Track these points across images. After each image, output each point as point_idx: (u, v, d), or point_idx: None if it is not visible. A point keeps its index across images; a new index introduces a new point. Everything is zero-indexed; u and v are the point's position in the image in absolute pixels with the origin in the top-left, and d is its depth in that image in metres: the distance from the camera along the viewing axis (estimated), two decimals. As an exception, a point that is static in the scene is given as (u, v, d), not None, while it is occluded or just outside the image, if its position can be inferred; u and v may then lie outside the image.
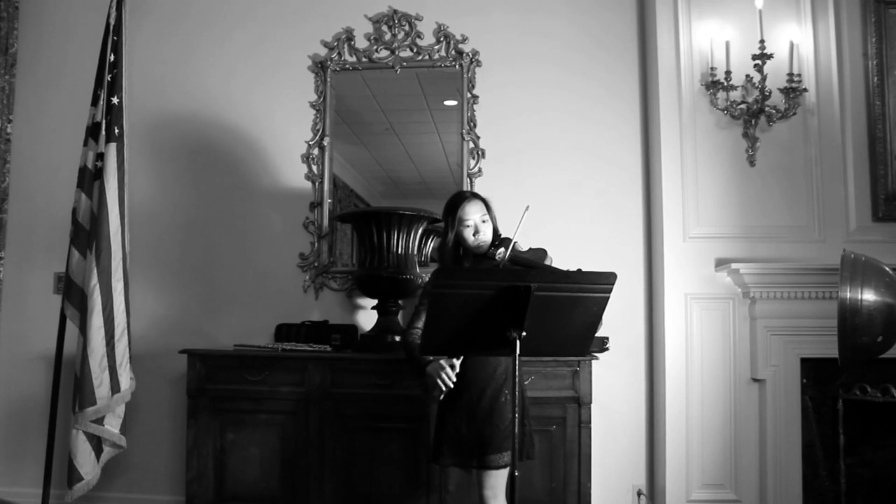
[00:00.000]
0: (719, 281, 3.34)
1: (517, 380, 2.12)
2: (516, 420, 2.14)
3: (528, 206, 2.37)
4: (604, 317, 2.20)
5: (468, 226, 2.54)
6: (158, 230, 3.74)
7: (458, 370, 2.40)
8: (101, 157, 3.27)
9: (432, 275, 2.46)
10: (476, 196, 2.61)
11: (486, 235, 2.55)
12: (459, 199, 2.60)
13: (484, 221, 2.55)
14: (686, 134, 3.42)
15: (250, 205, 3.74)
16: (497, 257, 2.45)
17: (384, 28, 3.75)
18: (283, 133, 3.74)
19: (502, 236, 2.57)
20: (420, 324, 2.50)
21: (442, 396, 2.43)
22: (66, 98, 3.81)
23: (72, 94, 3.75)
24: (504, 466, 2.42)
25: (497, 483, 2.44)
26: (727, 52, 3.32)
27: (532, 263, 2.45)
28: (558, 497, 3.05)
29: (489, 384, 2.49)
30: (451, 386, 2.38)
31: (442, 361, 2.39)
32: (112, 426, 3.21)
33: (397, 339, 3.24)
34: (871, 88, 3.37)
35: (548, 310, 2.09)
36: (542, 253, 2.53)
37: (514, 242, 2.47)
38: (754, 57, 3.31)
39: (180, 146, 3.81)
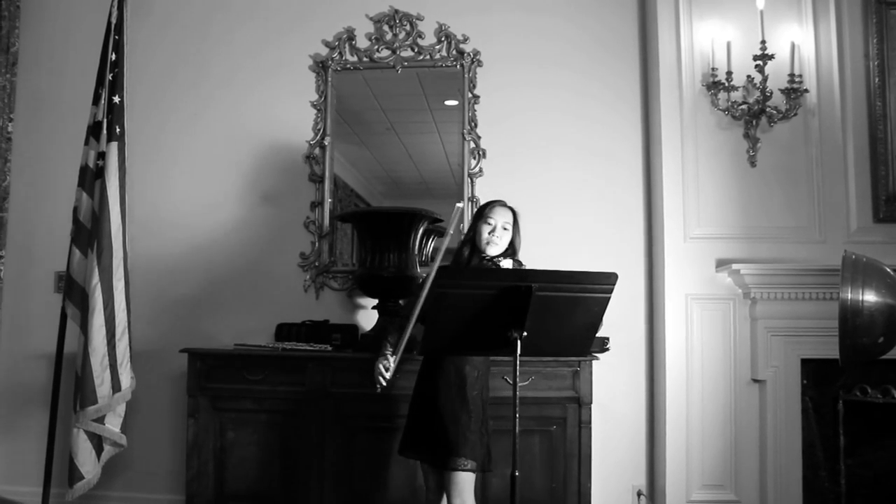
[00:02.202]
0: (720, 281, 3.34)
1: (517, 380, 2.12)
2: (515, 421, 2.14)
3: (460, 207, 2.42)
4: (604, 317, 2.20)
5: (489, 223, 2.58)
6: (159, 229, 3.74)
7: (391, 371, 2.54)
8: (102, 156, 3.26)
9: (436, 270, 2.51)
10: (509, 206, 2.65)
11: (500, 240, 2.58)
12: (493, 202, 2.65)
13: (505, 228, 2.59)
14: (687, 134, 3.42)
15: (251, 204, 3.74)
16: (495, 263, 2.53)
17: (385, 28, 3.76)
18: (284, 133, 3.74)
19: (514, 255, 2.61)
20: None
21: (379, 390, 2.57)
22: (68, 97, 3.81)
23: (73, 93, 3.75)
24: (463, 470, 2.43)
25: (464, 488, 2.45)
26: (728, 52, 3.32)
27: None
28: (558, 497, 3.05)
29: (453, 384, 2.51)
30: (384, 384, 2.54)
31: (383, 361, 2.53)
32: (113, 425, 3.21)
33: (398, 338, 3.24)
34: (872, 89, 3.37)
35: (549, 310, 2.09)
36: None
37: (522, 263, 2.54)
38: (755, 57, 3.31)
39: (181, 145, 3.80)
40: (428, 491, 2.64)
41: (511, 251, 2.60)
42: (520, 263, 2.55)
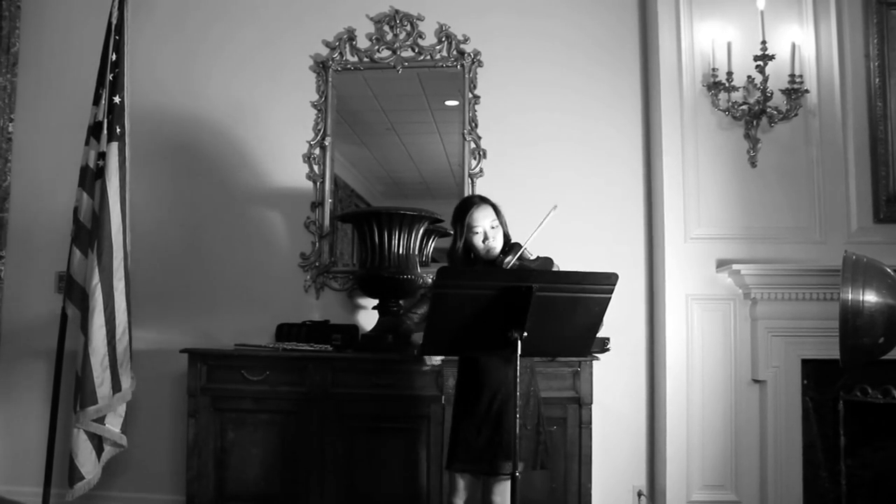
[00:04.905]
0: (720, 282, 3.34)
1: (517, 381, 2.12)
2: (516, 421, 2.14)
3: (555, 206, 2.35)
4: (605, 317, 2.20)
5: (477, 232, 2.51)
6: (160, 229, 3.74)
7: None
8: (102, 156, 3.27)
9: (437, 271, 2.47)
10: (485, 201, 2.57)
11: (496, 241, 2.52)
12: (468, 204, 2.57)
13: (493, 227, 2.52)
14: (687, 135, 3.42)
15: (251, 204, 3.75)
16: (504, 264, 2.45)
17: (386, 28, 3.76)
18: (284, 133, 3.75)
19: (513, 242, 2.55)
20: (419, 311, 2.55)
21: (426, 368, 2.61)
22: (68, 97, 3.81)
23: (73, 93, 3.75)
24: (512, 474, 2.40)
25: (507, 489, 2.42)
26: (729, 52, 3.32)
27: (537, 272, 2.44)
28: (559, 497, 3.05)
29: (500, 389, 2.47)
30: (437, 362, 2.53)
31: None
32: (113, 425, 3.21)
33: (398, 338, 3.24)
34: (872, 90, 3.37)
35: (549, 310, 2.09)
36: (548, 262, 2.52)
37: (523, 249, 2.46)
38: (756, 58, 3.31)
39: (182, 145, 3.81)
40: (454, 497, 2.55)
41: (508, 244, 2.55)
42: (520, 247, 2.50)
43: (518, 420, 2.14)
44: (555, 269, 2.47)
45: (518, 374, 2.11)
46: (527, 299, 2.04)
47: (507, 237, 2.56)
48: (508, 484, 2.38)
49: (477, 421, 2.48)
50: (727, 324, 3.33)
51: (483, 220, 2.52)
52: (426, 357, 2.52)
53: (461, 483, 2.54)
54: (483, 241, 2.52)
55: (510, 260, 2.43)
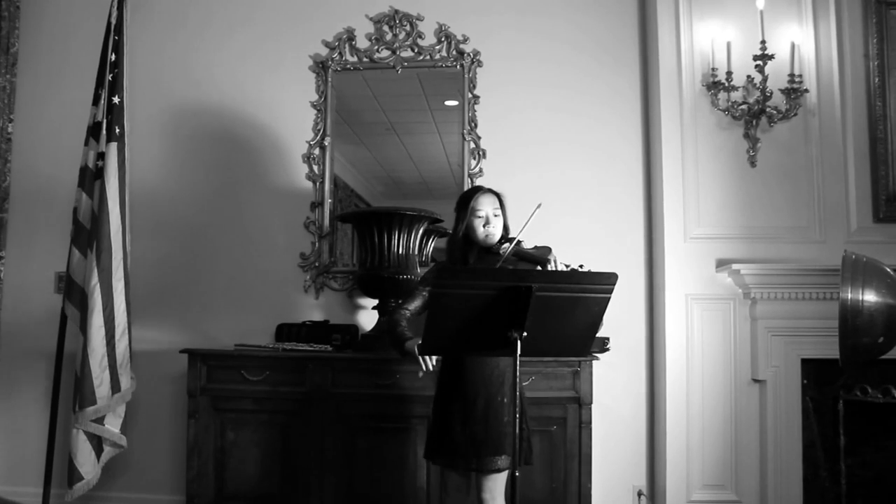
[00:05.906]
0: (720, 281, 3.34)
1: (517, 381, 2.12)
2: (515, 421, 2.14)
3: (539, 204, 2.37)
4: (604, 317, 2.20)
5: (480, 216, 2.54)
6: (159, 230, 3.74)
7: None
8: (101, 156, 3.27)
9: (434, 266, 2.47)
10: (491, 190, 2.62)
11: (495, 229, 2.55)
12: (474, 190, 2.62)
13: (496, 215, 2.56)
14: (687, 134, 3.42)
15: (251, 204, 3.75)
16: (501, 251, 2.47)
17: (385, 28, 3.76)
18: (284, 133, 3.75)
19: (510, 235, 2.57)
20: (412, 306, 2.55)
21: (421, 374, 2.49)
22: (68, 97, 3.81)
23: (73, 94, 3.75)
24: (500, 470, 2.41)
25: (495, 486, 2.43)
26: (728, 52, 3.33)
27: (535, 258, 2.45)
28: (559, 497, 3.05)
29: (485, 386, 2.48)
30: (432, 368, 2.44)
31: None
32: (112, 426, 3.21)
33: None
34: (872, 89, 3.38)
35: (549, 310, 2.09)
36: (545, 250, 2.53)
37: (520, 241, 2.48)
38: (755, 57, 3.31)
39: (181, 146, 3.81)
40: (447, 496, 2.58)
41: (506, 233, 2.58)
42: (519, 242, 2.52)
43: (511, 417, 2.14)
44: (551, 256, 2.47)
45: (518, 373, 2.11)
46: (527, 299, 2.04)
47: (506, 229, 2.59)
48: (497, 480, 2.41)
49: (459, 417, 2.48)
50: (727, 324, 3.33)
51: (487, 206, 2.56)
52: (424, 360, 2.48)
53: (452, 477, 2.56)
54: (483, 226, 2.54)
55: (507, 246, 2.45)
